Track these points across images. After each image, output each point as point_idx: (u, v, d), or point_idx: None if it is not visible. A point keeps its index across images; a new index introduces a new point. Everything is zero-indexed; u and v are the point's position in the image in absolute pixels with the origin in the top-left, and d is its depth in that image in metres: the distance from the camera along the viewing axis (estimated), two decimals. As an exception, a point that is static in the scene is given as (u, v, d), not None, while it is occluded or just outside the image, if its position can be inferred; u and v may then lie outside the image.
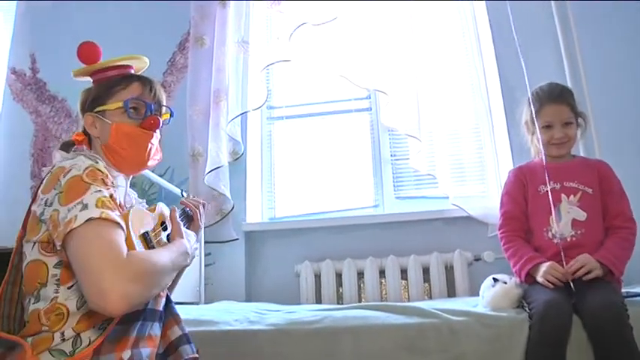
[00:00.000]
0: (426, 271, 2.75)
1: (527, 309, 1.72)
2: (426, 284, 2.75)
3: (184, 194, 1.56)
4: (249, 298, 2.89)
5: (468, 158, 2.99)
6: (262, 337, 1.74)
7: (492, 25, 3.02)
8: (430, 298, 2.71)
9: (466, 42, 3.08)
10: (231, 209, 2.96)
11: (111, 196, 1.16)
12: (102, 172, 1.19)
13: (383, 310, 1.81)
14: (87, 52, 1.39)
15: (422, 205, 3.00)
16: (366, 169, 3.16)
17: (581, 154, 2.61)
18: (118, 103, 1.32)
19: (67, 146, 1.37)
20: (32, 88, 3.46)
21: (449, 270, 2.75)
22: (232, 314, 1.96)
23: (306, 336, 1.71)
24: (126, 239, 1.12)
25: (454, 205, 2.79)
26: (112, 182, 1.22)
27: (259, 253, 3.02)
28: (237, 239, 2.95)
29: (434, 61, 3.02)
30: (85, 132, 1.37)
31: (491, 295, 1.82)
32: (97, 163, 1.21)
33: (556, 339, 1.58)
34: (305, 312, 1.92)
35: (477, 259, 2.76)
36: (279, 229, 3.03)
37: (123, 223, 1.13)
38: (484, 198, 2.85)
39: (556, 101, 1.98)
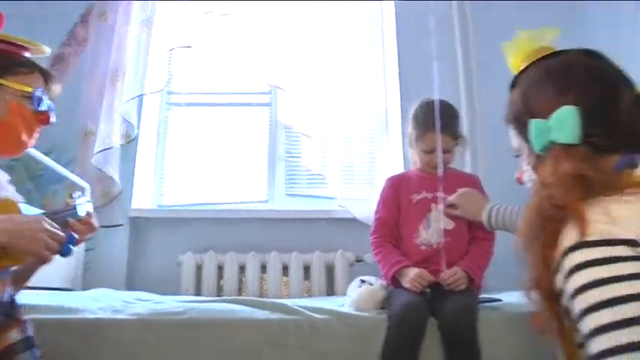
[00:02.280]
0: (307, 269, 2.79)
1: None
2: (307, 282, 2.79)
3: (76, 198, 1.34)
4: (130, 287, 2.79)
5: (359, 161, 3.05)
6: (123, 327, 1.70)
7: (398, 30, 3.08)
8: (310, 295, 2.75)
9: (373, 48, 3.13)
10: (119, 193, 2.86)
11: None
12: None
13: (249, 305, 1.82)
14: None
15: (312, 204, 3.03)
16: (261, 164, 3.16)
17: (468, 166, 2.71)
18: (25, 87, 1.28)
19: None
20: None
21: (330, 269, 2.81)
22: (100, 302, 1.91)
23: (168, 327, 1.70)
24: None
25: (340, 206, 2.85)
26: None
27: (143, 240, 2.94)
28: (121, 225, 2.86)
29: (336, 63, 3.06)
30: None
31: (356, 295, 1.88)
32: None
33: (410, 340, 1.67)
34: (172, 303, 1.91)
35: (359, 260, 2.82)
36: (165, 218, 2.98)
37: None
38: (370, 201, 2.91)
39: (440, 131, 1.97)
